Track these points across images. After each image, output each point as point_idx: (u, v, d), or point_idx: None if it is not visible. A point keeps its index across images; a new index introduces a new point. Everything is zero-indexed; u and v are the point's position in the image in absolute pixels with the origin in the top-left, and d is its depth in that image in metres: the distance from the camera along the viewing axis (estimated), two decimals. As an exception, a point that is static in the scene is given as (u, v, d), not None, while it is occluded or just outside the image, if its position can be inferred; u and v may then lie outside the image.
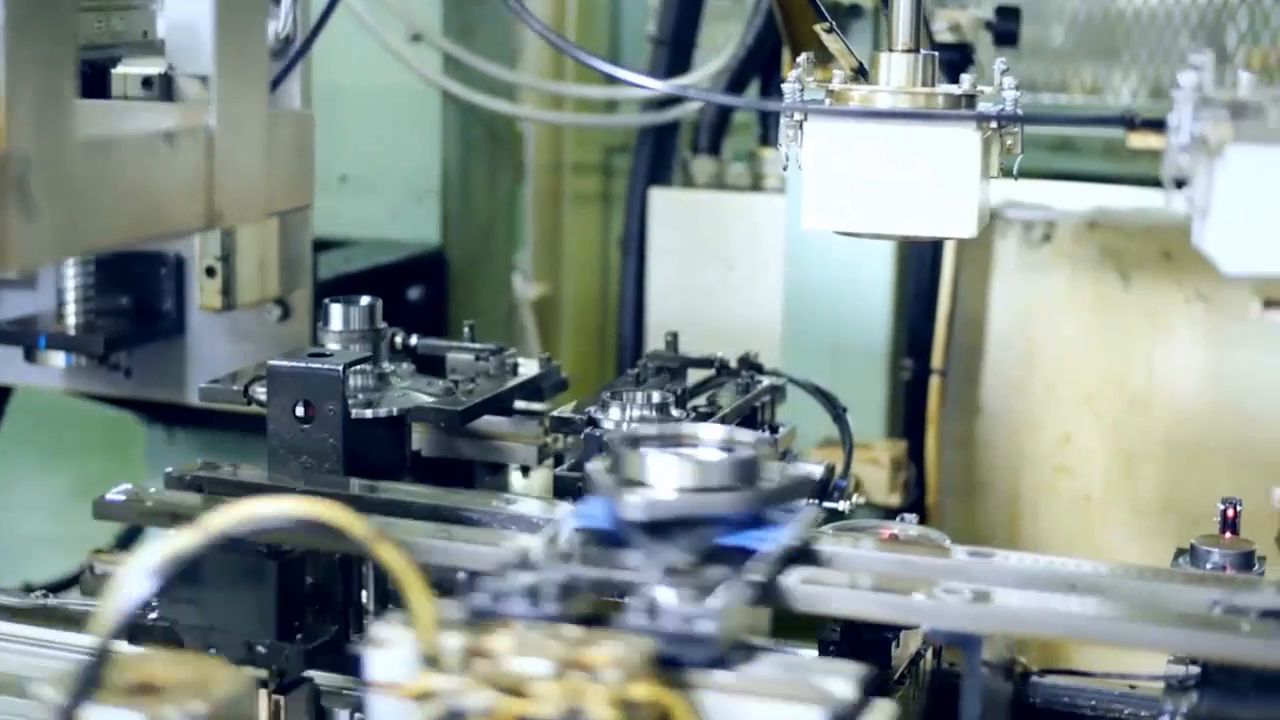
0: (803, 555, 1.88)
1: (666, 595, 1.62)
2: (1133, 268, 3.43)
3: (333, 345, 2.44)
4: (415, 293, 3.65)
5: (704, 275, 3.66)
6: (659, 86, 2.58)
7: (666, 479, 1.83)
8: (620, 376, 2.58)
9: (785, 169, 2.28)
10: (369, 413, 2.31)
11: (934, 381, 3.38)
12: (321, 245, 3.60)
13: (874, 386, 3.35)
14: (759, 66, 3.59)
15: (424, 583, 1.55)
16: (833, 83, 2.31)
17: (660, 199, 3.68)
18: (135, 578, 1.47)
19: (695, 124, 3.78)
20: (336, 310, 2.49)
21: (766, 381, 2.55)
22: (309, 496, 1.58)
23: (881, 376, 3.36)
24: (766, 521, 1.87)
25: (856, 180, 2.25)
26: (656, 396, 2.33)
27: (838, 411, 2.62)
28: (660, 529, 1.80)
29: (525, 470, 2.60)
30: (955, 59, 3.31)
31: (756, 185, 3.74)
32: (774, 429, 2.52)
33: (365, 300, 2.49)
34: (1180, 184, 1.75)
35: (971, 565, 1.90)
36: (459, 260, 3.75)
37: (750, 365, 2.59)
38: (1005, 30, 3.31)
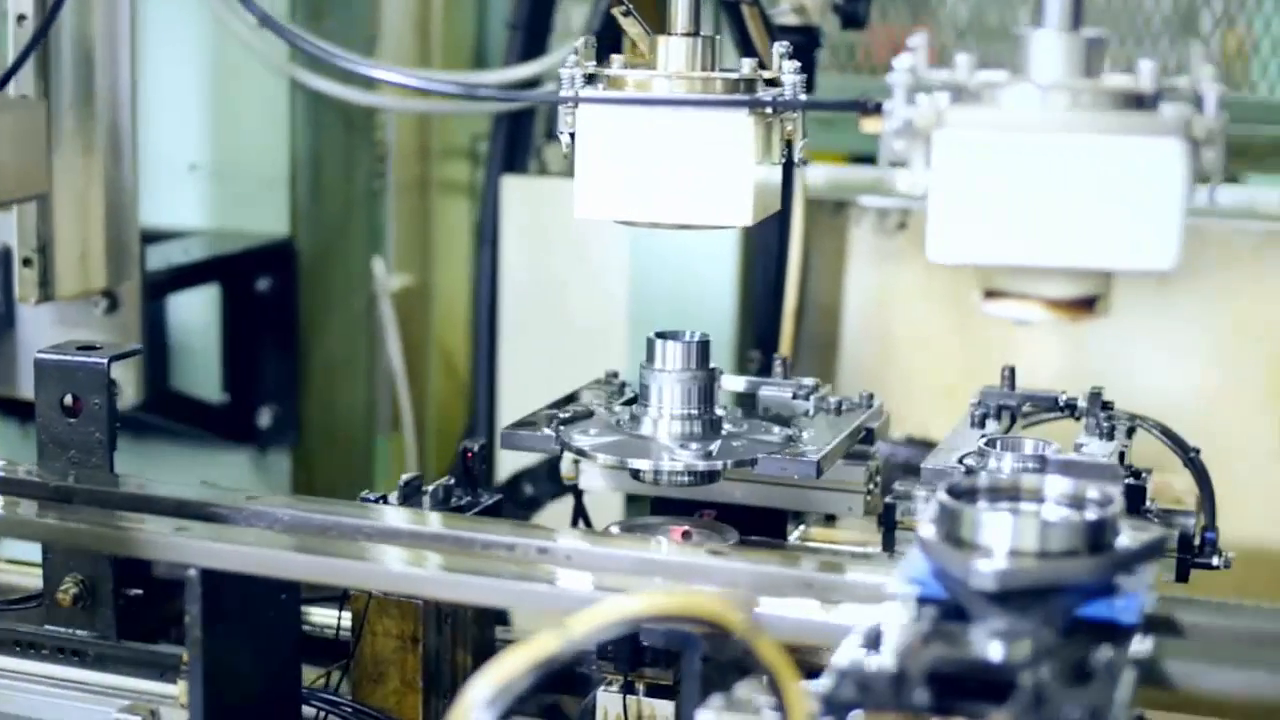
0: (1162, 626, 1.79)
1: (1047, 682, 1.52)
2: (992, 255, 3.41)
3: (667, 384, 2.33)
4: (264, 284, 3.62)
5: (557, 264, 3.63)
6: (409, 82, 2.54)
7: (1011, 542, 1.69)
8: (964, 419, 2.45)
9: (566, 156, 2.26)
10: (702, 465, 2.24)
11: (777, 373, 3.35)
12: (165, 236, 3.58)
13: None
14: (610, 49, 3.55)
15: (798, 676, 1.47)
16: (611, 68, 2.29)
17: (512, 187, 3.65)
18: (485, 693, 1.35)
19: (550, 110, 3.75)
20: (670, 349, 2.35)
21: (1124, 422, 2.45)
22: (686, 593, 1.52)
23: (726, 367, 3.33)
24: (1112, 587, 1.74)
25: (629, 168, 2.21)
26: (1035, 446, 2.20)
27: (1188, 454, 2.53)
28: (1007, 599, 1.67)
29: (831, 519, 2.55)
30: (802, 42, 3.31)
31: (609, 171, 3.71)
32: (1137, 474, 2.39)
33: (695, 336, 2.37)
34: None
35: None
36: (310, 251, 3.72)
37: (1104, 405, 2.48)
38: (852, 12, 3.29)
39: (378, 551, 2.01)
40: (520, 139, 3.71)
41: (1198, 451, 2.56)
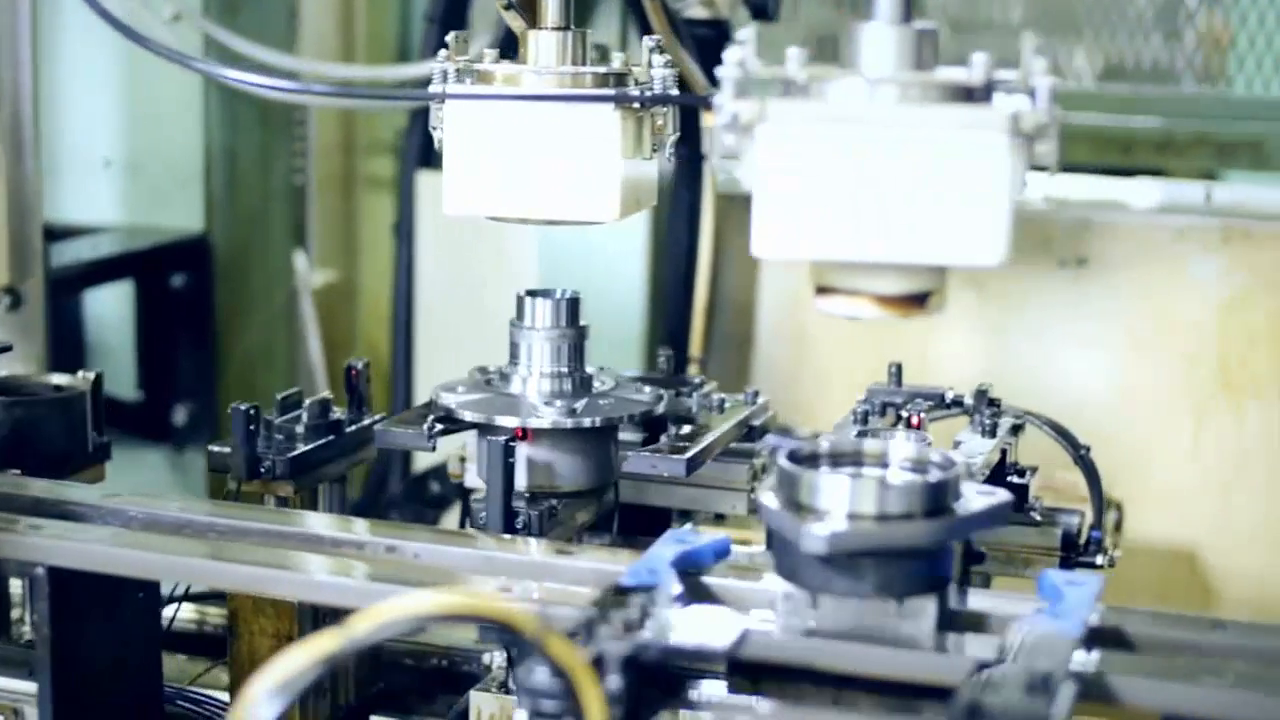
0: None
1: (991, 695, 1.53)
2: (902, 251, 3.40)
3: (536, 341, 2.34)
4: (179, 280, 3.62)
5: (473, 259, 3.63)
6: (269, 83, 2.53)
7: (849, 506, 1.71)
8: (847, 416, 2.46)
9: (438, 152, 2.26)
10: (568, 422, 2.26)
11: (692, 370, 3.35)
12: (79, 231, 3.57)
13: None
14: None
15: (596, 676, 1.50)
16: (482, 62, 2.28)
17: (427, 182, 3.64)
18: (264, 691, 1.34)
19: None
20: (540, 306, 2.36)
21: (1009, 421, 2.46)
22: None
23: (636, 364, 3.34)
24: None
25: (497, 164, 2.22)
26: (913, 448, 2.23)
27: (1079, 451, 2.54)
28: (843, 564, 1.71)
29: (721, 518, 2.53)
30: (711, 36, 3.31)
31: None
32: (1021, 473, 2.43)
33: (566, 293, 2.38)
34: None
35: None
36: (226, 246, 3.72)
37: (990, 401, 2.48)
38: (761, 5, 3.28)
39: (221, 549, 2.01)
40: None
41: (1088, 449, 2.57)
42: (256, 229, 3.84)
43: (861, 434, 2.32)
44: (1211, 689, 1.67)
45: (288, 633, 2.26)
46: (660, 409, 2.37)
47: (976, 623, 1.83)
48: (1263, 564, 3.28)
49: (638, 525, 2.47)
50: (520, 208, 2.25)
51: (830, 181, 1.68)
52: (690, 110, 3.36)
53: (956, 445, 2.39)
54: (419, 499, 3.37)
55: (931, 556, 1.77)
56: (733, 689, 1.82)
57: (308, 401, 2.42)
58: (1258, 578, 3.26)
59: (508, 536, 2.18)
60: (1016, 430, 2.52)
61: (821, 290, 1.80)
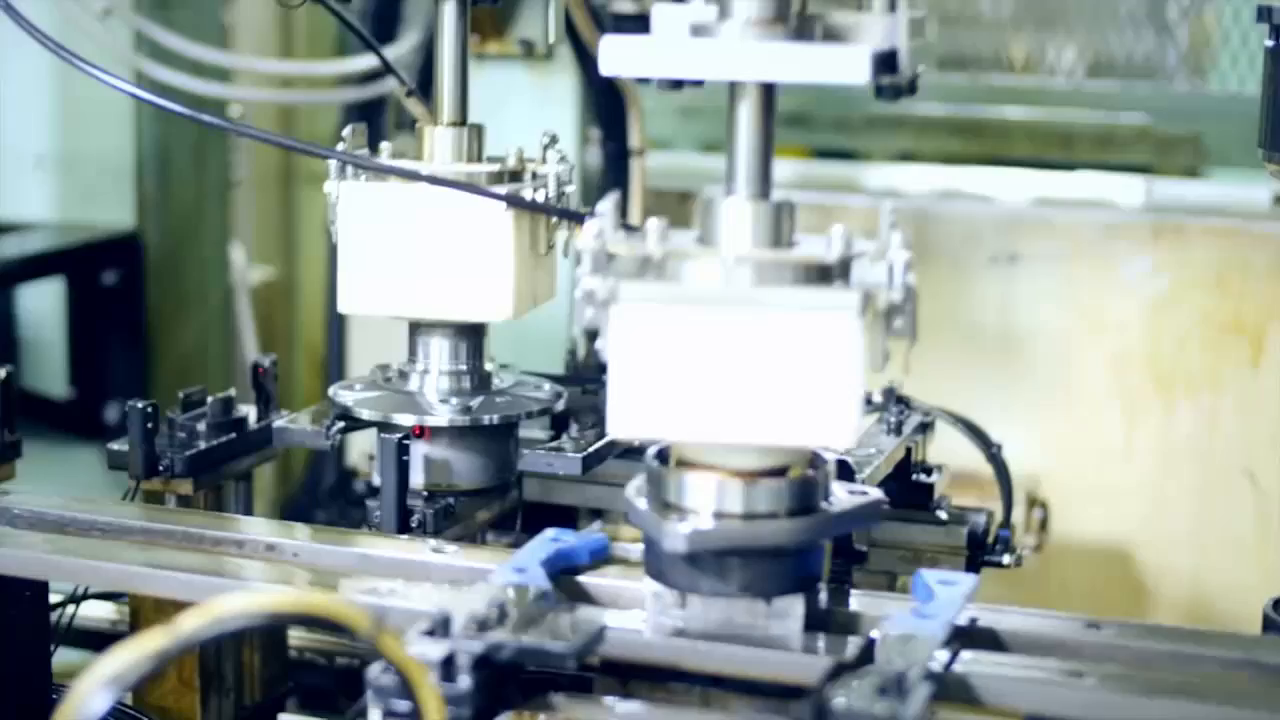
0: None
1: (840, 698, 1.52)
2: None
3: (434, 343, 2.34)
4: (111, 277, 3.61)
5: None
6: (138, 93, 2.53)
7: (715, 504, 1.73)
8: None
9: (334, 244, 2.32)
10: (464, 419, 2.26)
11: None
12: (10, 228, 3.57)
13: (555, 369, 3.30)
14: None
15: (428, 674, 1.51)
16: (382, 156, 2.33)
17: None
18: (93, 687, 1.34)
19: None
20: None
21: (917, 418, 2.47)
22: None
23: (560, 361, 3.32)
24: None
25: (392, 261, 2.27)
26: None
27: (990, 449, 2.55)
28: (709, 563, 1.72)
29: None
30: (639, 31, 3.29)
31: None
32: (928, 470, 2.44)
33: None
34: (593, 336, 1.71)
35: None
36: (159, 243, 3.71)
37: (898, 399, 2.49)
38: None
39: (98, 548, 2.00)
40: (372, 130, 3.68)
41: (999, 447, 2.56)
42: (190, 226, 3.83)
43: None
44: (1072, 689, 1.67)
45: (189, 631, 2.25)
46: (560, 406, 2.37)
47: (849, 622, 1.83)
48: (1195, 562, 3.27)
49: (547, 523, 2.46)
50: (415, 308, 2.29)
51: (684, 363, 1.69)
52: (618, 105, 3.37)
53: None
54: (345, 496, 3.36)
55: (799, 556, 1.77)
56: (601, 689, 1.82)
57: (210, 399, 2.41)
58: (1190, 576, 3.26)
59: (393, 535, 2.17)
60: (925, 428, 2.51)
61: (682, 463, 1.78)
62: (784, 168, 3.70)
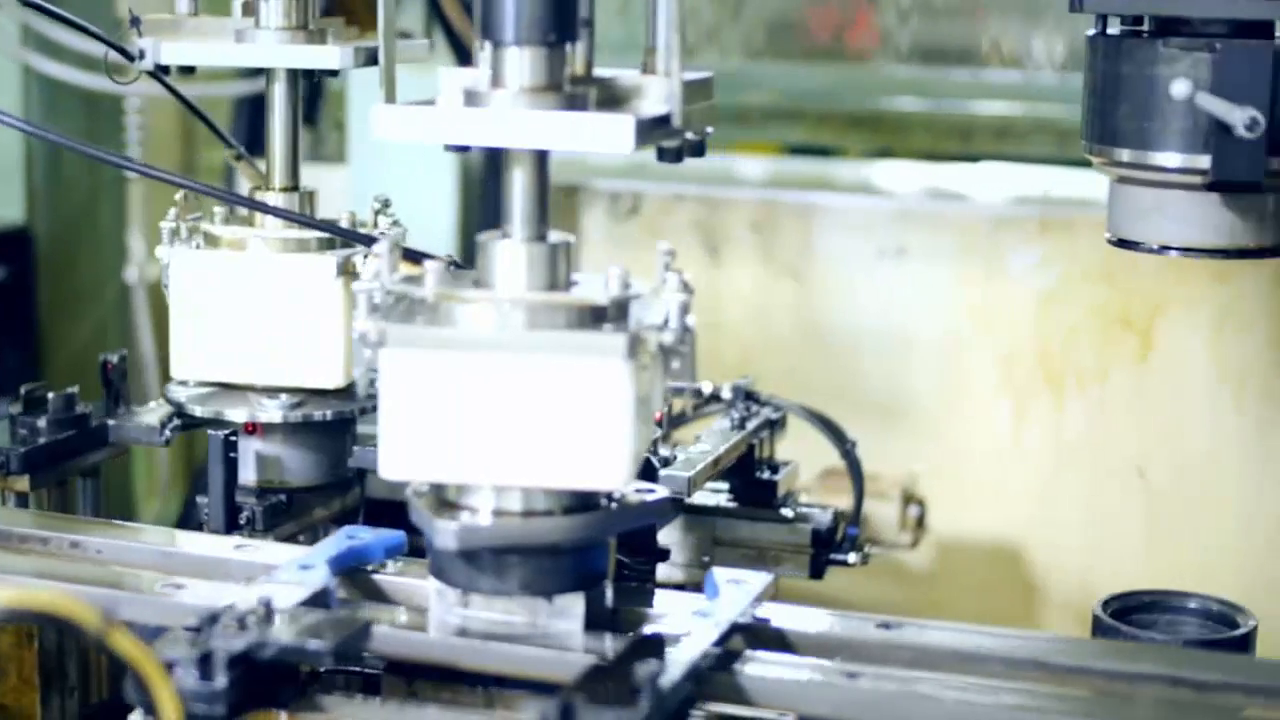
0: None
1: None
2: (721, 242, 3.39)
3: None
4: (0, 273, 3.60)
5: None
6: None
7: (495, 502, 1.73)
8: None
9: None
10: (297, 415, 2.27)
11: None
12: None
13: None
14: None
15: (164, 670, 1.51)
16: (214, 223, 2.36)
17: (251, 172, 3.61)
18: None
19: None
20: None
21: (765, 413, 2.47)
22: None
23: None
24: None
25: (224, 327, 2.29)
26: None
27: (845, 446, 2.53)
28: (487, 561, 1.72)
29: None
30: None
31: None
32: (774, 468, 2.44)
33: None
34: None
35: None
36: (51, 238, 3.69)
37: (746, 394, 2.49)
38: None
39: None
40: (258, 124, 3.67)
41: (854, 444, 2.54)
42: (84, 220, 3.81)
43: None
44: (841, 689, 1.66)
45: (28, 630, 2.23)
46: None
47: (639, 621, 1.81)
48: (1085, 559, 3.26)
49: (394, 520, 2.45)
50: (247, 373, 2.29)
51: (453, 406, 1.69)
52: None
53: (697, 440, 2.38)
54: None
55: (579, 554, 1.76)
56: (387, 690, 1.82)
57: (51, 395, 2.40)
58: (1081, 573, 3.24)
59: (215, 533, 2.17)
60: (774, 425, 2.50)
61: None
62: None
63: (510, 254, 1.74)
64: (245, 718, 1.60)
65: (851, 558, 2.41)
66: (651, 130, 1.73)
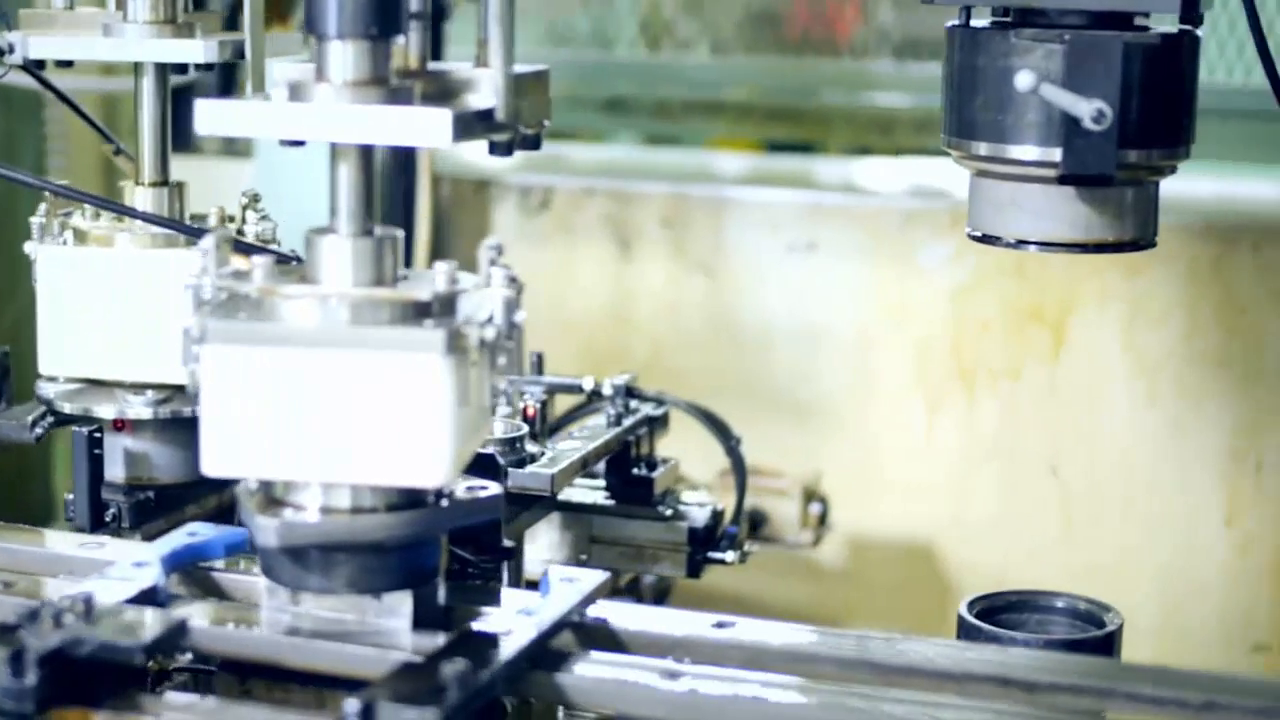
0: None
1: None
2: (632, 237, 3.38)
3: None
4: (-92, 275, 3.59)
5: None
6: None
7: (324, 499, 1.73)
8: None
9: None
10: (165, 411, 2.26)
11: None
12: None
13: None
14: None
15: None
16: (85, 218, 2.36)
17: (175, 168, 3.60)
18: None
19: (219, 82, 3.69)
20: None
21: (644, 410, 2.47)
22: None
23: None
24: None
25: (88, 321, 2.29)
26: (503, 429, 2.24)
27: (730, 443, 2.54)
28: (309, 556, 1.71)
29: None
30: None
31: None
32: (652, 465, 2.44)
33: None
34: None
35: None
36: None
37: (628, 391, 2.50)
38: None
39: None
40: (182, 118, 3.66)
41: (739, 441, 2.54)
42: (3, 222, 3.79)
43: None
44: (657, 690, 1.66)
45: None
46: None
47: (472, 619, 1.81)
48: (999, 557, 3.25)
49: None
50: (116, 370, 2.29)
51: (272, 402, 1.68)
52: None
53: (570, 436, 2.38)
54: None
55: (406, 551, 1.75)
56: (220, 688, 1.81)
57: (-77, 392, 2.40)
58: (994, 571, 3.23)
59: (54, 531, 2.16)
60: (654, 421, 2.50)
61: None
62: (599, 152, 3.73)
63: (336, 249, 1.73)
64: (53, 714, 1.59)
65: (729, 556, 2.41)
66: (475, 124, 1.72)
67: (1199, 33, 2.04)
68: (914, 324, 3.26)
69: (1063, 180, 1.97)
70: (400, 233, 1.79)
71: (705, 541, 2.40)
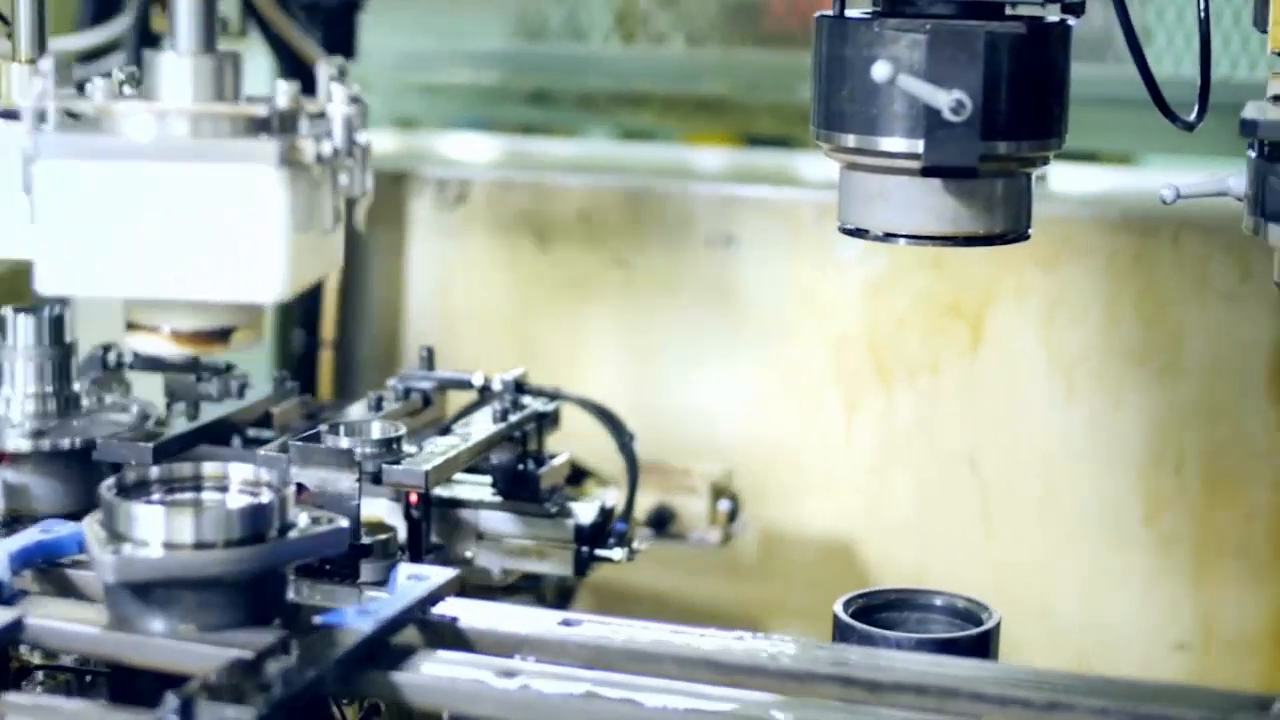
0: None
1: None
2: (549, 230, 3.37)
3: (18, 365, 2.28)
4: None
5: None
6: None
7: (165, 534, 1.73)
8: (364, 400, 2.44)
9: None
10: (45, 444, 2.21)
11: (323, 355, 3.31)
12: None
13: (260, 359, 3.28)
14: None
15: None
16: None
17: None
18: None
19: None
20: (23, 323, 2.30)
21: (533, 405, 2.45)
22: None
23: (267, 349, 3.31)
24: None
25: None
26: (379, 430, 2.21)
27: (623, 439, 2.51)
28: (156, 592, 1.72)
29: None
30: (336, 7, 3.27)
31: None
32: (540, 461, 2.41)
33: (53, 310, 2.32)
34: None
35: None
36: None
37: (517, 386, 2.48)
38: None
39: None
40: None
41: (632, 437, 2.53)
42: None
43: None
44: (489, 688, 1.66)
45: None
46: (150, 425, 2.33)
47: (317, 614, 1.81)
48: (917, 554, 3.24)
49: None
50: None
51: (107, 218, 1.68)
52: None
53: (444, 429, 2.36)
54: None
55: (251, 585, 1.75)
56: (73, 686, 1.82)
57: None
58: (914, 568, 3.22)
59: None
60: (544, 417, 2.48)
61: (129, 326, 1.77)
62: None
63: (174, 66, 1.73)
64: None
65: (616, 554, 2.40)
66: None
67: (1071, 22, 2.03)
68: (831, 317, 3.25)
69: (926, 172, 1.95)
70: (239, 50, 1.78)
71: (593, 539, 2.38)
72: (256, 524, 1.75)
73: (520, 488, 2.40)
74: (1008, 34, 1.94)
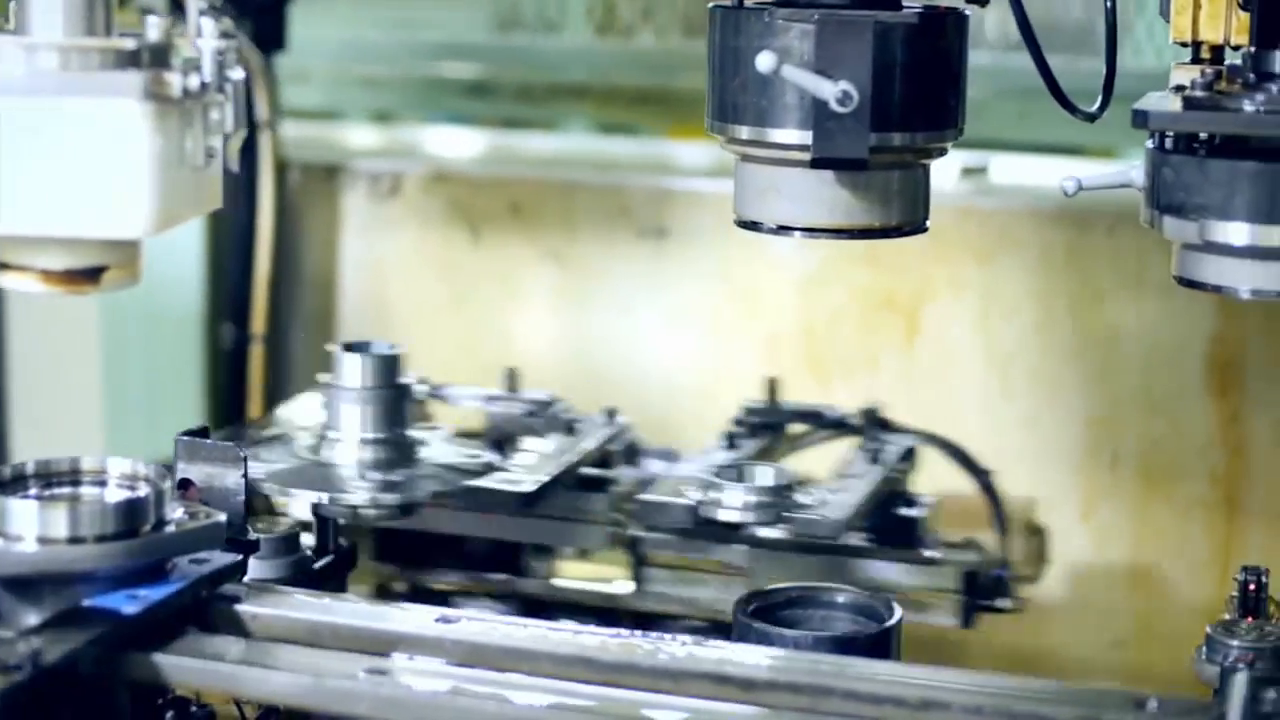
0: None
1: None
2: (482, 223, 3.36)
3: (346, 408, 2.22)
4: None
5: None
6: None
7: (39, 528, 1.72)
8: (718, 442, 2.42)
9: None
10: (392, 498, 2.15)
11: (254, 350, 3.30)
12: None
13: (189, 355, 3.28)
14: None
15: None
16: None
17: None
18: None
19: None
20: (352, 363, 2.26)
21: (898, 443, 2.38)
22: None
23: (196, 344, 3.30)
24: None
25: None
26: (773, 476, 2.18)
27: (983, 478, 2.42)
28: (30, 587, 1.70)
29: (584, 553, 2.40)
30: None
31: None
32: (911, 503, 2.34)
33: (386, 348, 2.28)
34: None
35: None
36: None
37: (876, 421, 2.41)
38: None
39: None
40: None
41: (989, 473, 2.47)
42: None
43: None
44: (349, 686, 1.65)
45: None
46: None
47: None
48: (853, 550, 3.23)
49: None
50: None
51: None
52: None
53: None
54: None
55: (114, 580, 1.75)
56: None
57: None
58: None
59: None
60: (909, 455, 2.44)
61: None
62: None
63: (46, 1, 1.74)
64: None
65: (1005, 604, 2.32)
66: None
67: (968, 11, 2.02)
68: (765, 312, 3.24)
69: (816, 164, 1.94)
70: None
71: (977, 587, 2.26)
72: (131, 518, 1.74)
73: (896, 531, 2.33)
74: (899, 24, 1.93)
